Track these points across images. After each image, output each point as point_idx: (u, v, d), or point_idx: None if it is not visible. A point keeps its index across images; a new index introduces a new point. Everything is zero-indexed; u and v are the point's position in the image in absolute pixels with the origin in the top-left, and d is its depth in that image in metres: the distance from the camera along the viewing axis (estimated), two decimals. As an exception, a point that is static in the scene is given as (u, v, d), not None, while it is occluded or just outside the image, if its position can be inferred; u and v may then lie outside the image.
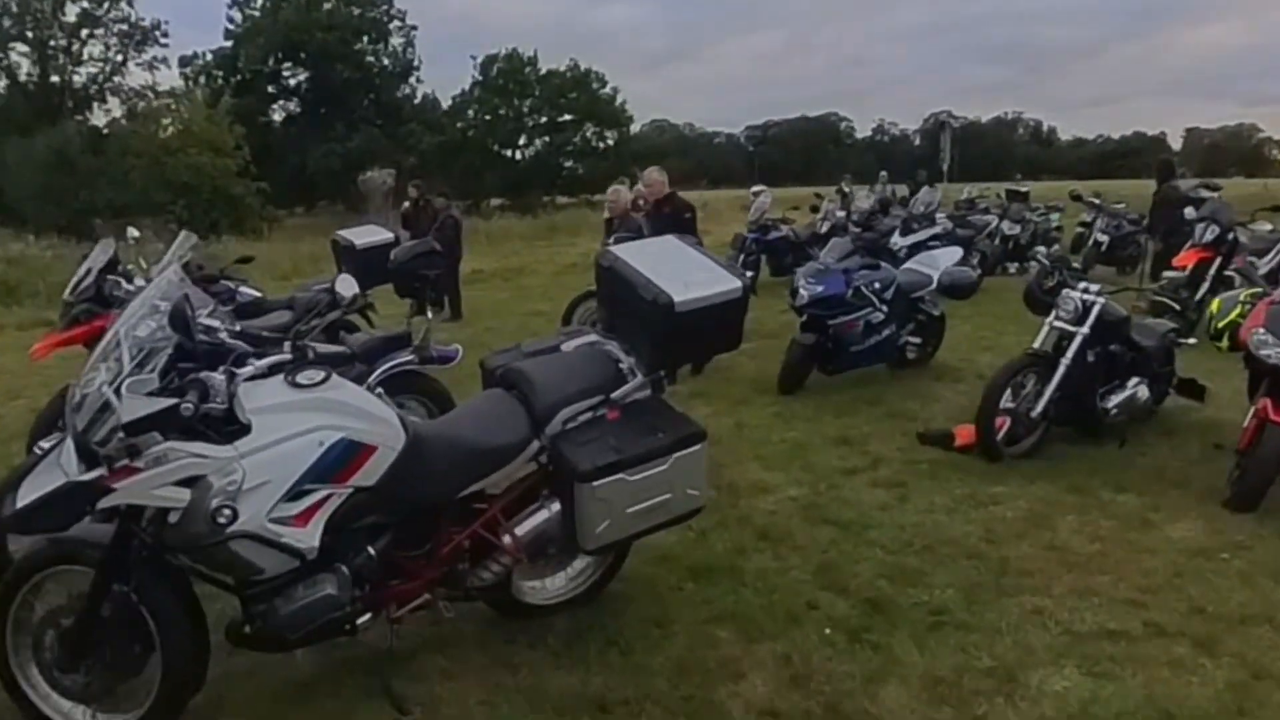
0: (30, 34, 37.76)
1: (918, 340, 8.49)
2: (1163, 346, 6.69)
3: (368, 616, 3.40)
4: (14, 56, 38.43)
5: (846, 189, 18.09)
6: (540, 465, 3.68)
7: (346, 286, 6.19)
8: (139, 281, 5.41)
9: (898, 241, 13.09)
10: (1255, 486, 5.12)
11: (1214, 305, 5.97)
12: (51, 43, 38.65)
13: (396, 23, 51.18)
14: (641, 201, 9.37)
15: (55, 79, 39.16)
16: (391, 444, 3.27)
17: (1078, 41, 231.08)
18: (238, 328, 5.22)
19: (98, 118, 39.57)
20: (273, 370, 3.34)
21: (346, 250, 7.54)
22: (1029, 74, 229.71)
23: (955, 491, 5.50)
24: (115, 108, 39.50)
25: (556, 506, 3.66)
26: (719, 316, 3.63)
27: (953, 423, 6.76)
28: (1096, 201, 16.03)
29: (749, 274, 11.48)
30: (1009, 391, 6.05)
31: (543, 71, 54.04)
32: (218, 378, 3.11)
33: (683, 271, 3.67)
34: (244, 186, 36.08)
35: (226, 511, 2.89)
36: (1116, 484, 5.59)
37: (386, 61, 51.19)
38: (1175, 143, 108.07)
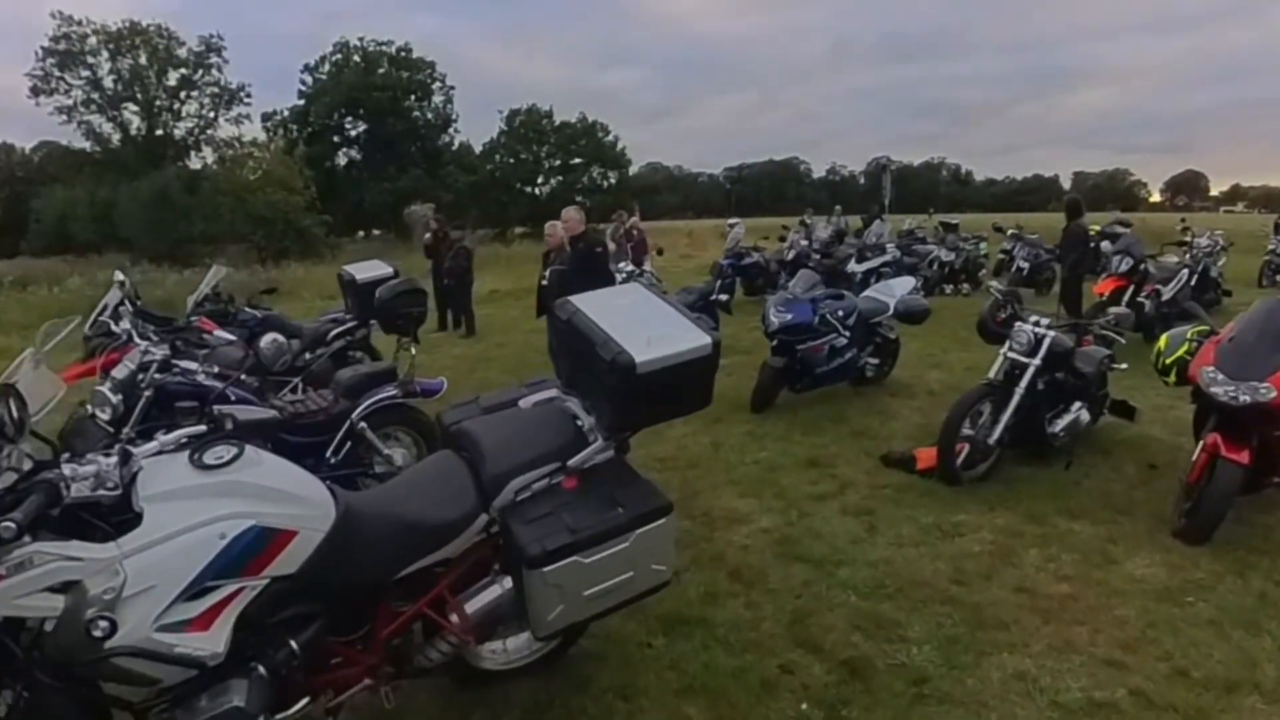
0: (139, 96, 36.86)
1: (876, 360, 7.52)
2: (1099, 372, 5.76)
3: (301, 705, 2.45)
4: (126, 114, 37.55)
5: (808, 220, 17.05)
6: (491, 535, 2.72)
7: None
8: (124, 324, 4.42)
9: (854, 268, 12.13)
10: (1208, 521, 4.19)
11: (1161, 341, 5.00)
12: (156, 102, 37.61)
13: (438, 84, 50.24)
14: (550, 238, 8.67)
15: (159, 132, 38.15)
16: (316, 526, 2.34)
17: (989, 101, 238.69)
18: (215, 369, 4.25)
19: (194, 163, 38.59)
20: (187, 444, 2.40)
21: (349, 284, 6.59)
22: (951, 126, 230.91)
23: (921, 520, 4.52)
24: (208, 155, 38.62)
25: (509, 583, 2.73)
26: (686, 376, 2.66)
27: (910, 440, 5.86)
28: (1017, 233, 15.09)
29: (724, 296, 10.49)
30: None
31: (557, 122, 53.35)
32: (105, 461, 2.19)
33: (647, 325, 2.70)
34: (311, 219, 35.19)
35: (103, 624, 1.98)
36: (1070, 510, 4.64)
37: (430, 115, 50.19)
38: (1065, 183, 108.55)
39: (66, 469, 2.11)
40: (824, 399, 7.10)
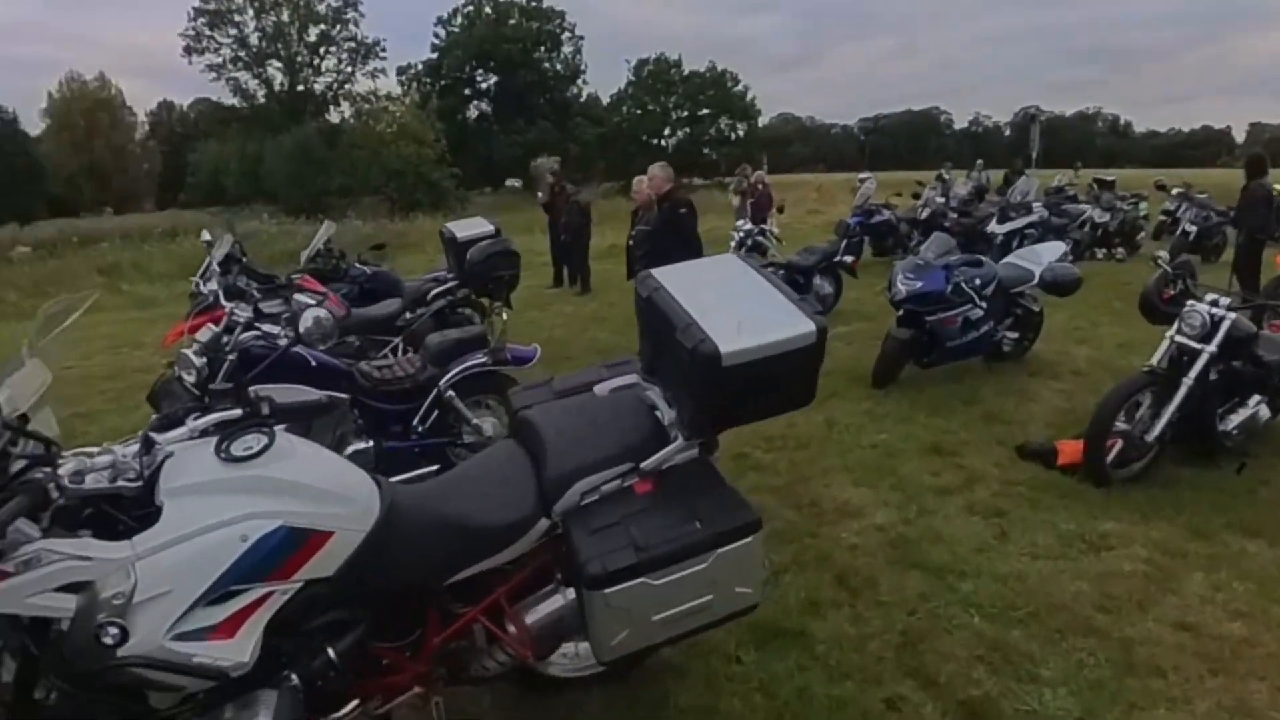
0: (281, 52, 38.65)
1: (1015, 335, 6.77)
2: (1284, 360, 4.87)
3: (349, 708, 2.23)
4: (270, 70, 39.50)
5: (946, 175, 15.86)
6: (554, 539, 2.41)
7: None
8: (210, 285, 4.33)
9: (994, 229, 11.12)
10: None
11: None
12: (298, 58, 39.40)
13: (568, 34, 50.24)
14: (637, 195, 8.05)
15: (300, 87, 39.95)
16: (354, 526, 2.09)
17: (1155, 45, 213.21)
18: (291, 333, 4.10)
19: (333, 118, 40.20)
20: (219, 430, 2.18)
21: (449, 242, 6.40)
22: (1111, 74, 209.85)
23: (1061, 527, 3.94)
24: (346, 109, 40.17)
25: (572, 594, 2.42)
26: (784, 369, 2.24)
27: (1051, 429, 5.20)
28: (1184, 191, 13.49)
29: (849, 258, 9.79)
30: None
31: (685, 72, 52.52)
32: (121, 450, 2.04)
33: (739, 307, 2.28)
34: (441, 172, 36.00)
35: (113, 630, 1.76)
36: (1243, 526, 3.93)
37: (559, 67, 50.35)
38: (1238, 135, 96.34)
39: (74, 462, 1.93)
40: (954, 376, 6.44)
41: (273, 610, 1.95)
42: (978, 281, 6.19)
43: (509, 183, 19.94)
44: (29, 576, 1.74)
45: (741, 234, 9.31)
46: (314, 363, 4.10)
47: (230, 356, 3.97)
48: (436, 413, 4.47)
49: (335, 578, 2.05)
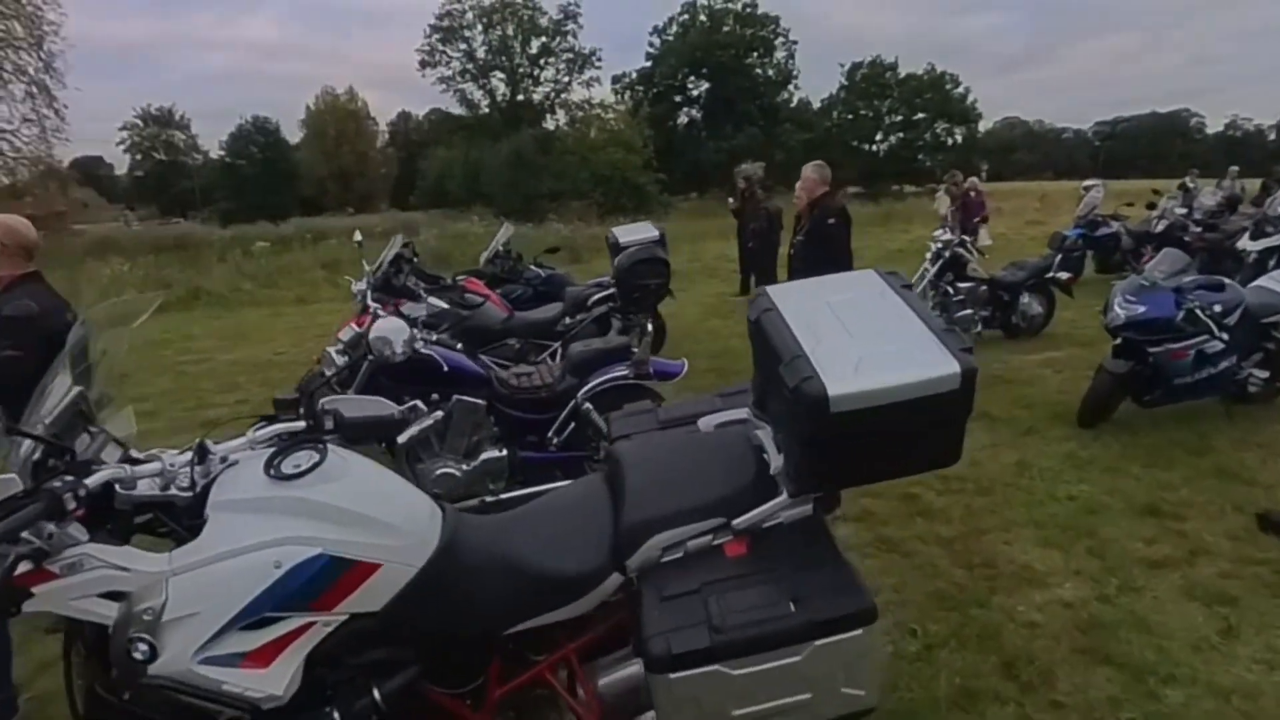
0: (505, 63, 41.02)
1: (1264, 374, 5.56)
2: None
3: None
4: (494, 81, 42.03)
5: (1190, 184, 13.81)
6: (633, 594, 2.04)
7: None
8: (358, 286, 4.33)
9: (1247, 245, 9.43)
10: None
11: None
12: (519, 69, 41.57)
13: (781, 39, 49.41)
14: (795, 200, 7.03)
15: (520, 97, 42.16)
16: (405, 560, 1.88)
17: None
18: (433, 337, 4.01)
19: (548, 125, 42.02)
20: (279, 441, 2.02)
21: (613, 247, 6.18)
22: None
23: (1315, 629, 3.05)
24: (561, 117, 41.91)
25: (649, 665, 2.03)
26: (914, 420, 1.75)
27: (1311, 497, 4.14)
28: None
29: (1065, 274, 8.63)
30: None
31: (901, 75, 50.18)
32: (169, 458, 1.91)
33: (867, 338, 1.81)
34: (647, 177, 36.50)
35: (143, 647, 1.66)
36: None
37: (771, 72, 49.62)
38: None
39: (109, 471, 1.80)
40: (1180, 419, 5.40)
41: (313, 642, 1.79)
42: (1218, 308, 5.12)
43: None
44: (72, 580, 1.68)
45: (939, 245, 8.44)
46: (446, 366, 3.99)
47: (369, 357, 3.93)
48: (574, 425, 4.24)
49: (382, 613, 1.85)
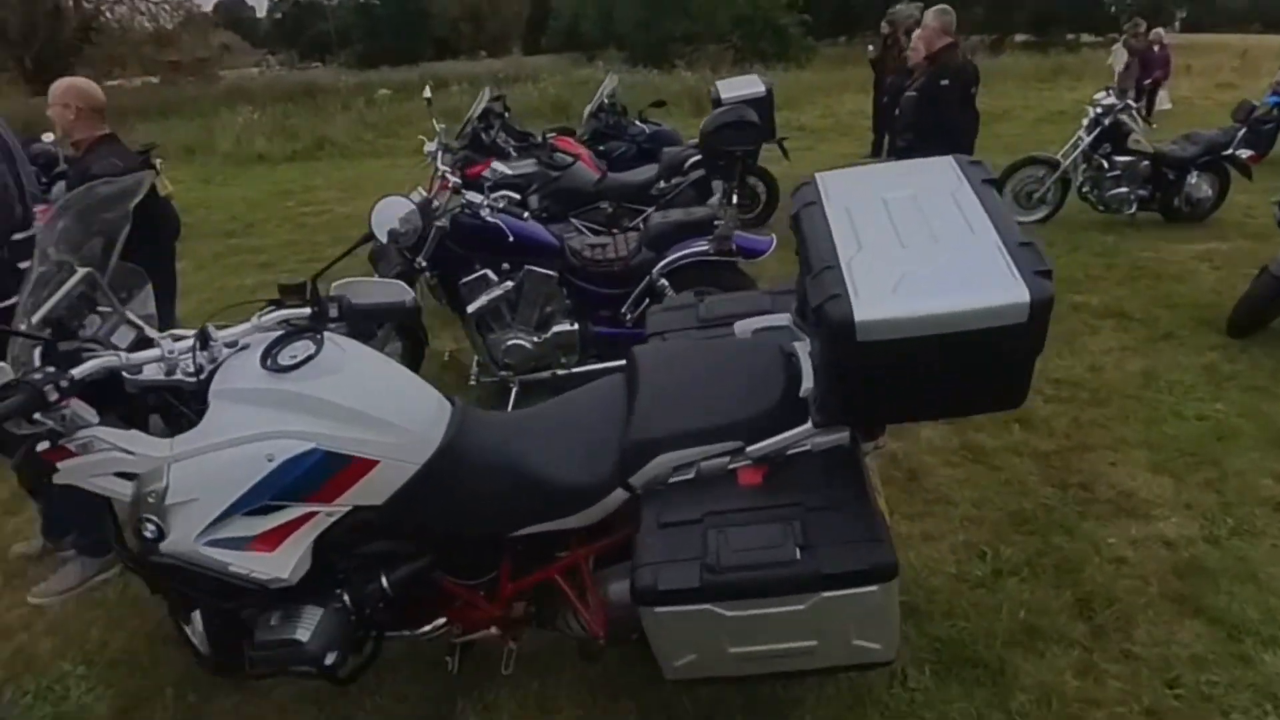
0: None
1: None
2: None
3: (434, 625, 2.14)
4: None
5: None
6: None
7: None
8: (430, 146, 4.14)
9: None
10: None
11: None
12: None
13: None
14: (910, 50, 6.00)
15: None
16: (404, 458, 1.86)
17: None
18: (500, 204, 3.81)
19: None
20: (285, 328, 1.94)
21: (715, 102, 5.66)
22: None
23: None
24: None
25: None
26: (965, 355, 1.45)
27: None
28: None
29: (1248, 152, 7.43)
30: None
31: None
32: (169, 346, 1.87)
33: (918, 249, 1.50)
34: (790, 18, 33.88)
35: (151, 527, 1.76)
36: None
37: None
38: None
39: (107, 359, 1.76)
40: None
41: (318, 530, 1.84)
42: None
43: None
44: (86, 460, 1.75)
45: (1098, 110, 7.40)
46: (511, 236, 3.81)
47: (438, 223, 3.80)
48: (648, 301, 4.03)
49: (385, 507, 1.87)
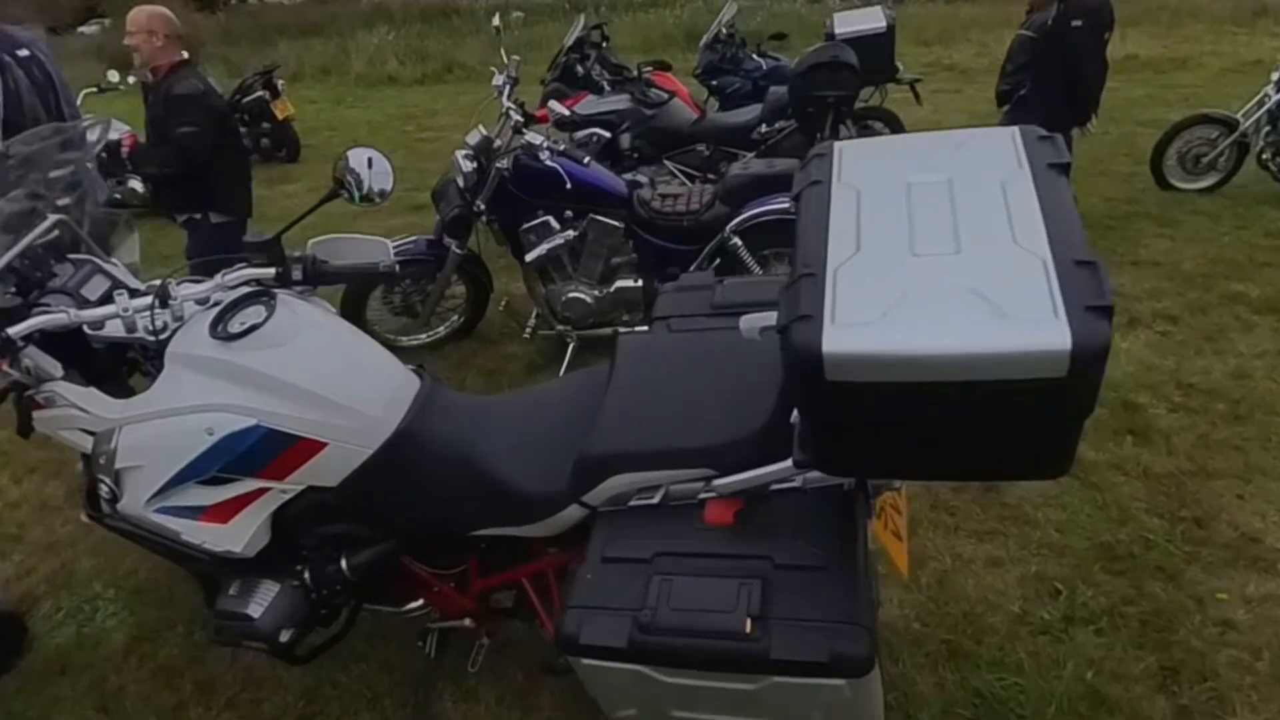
0: None
1: None
2: None
3: (412, 606, 2.03)
4: None
5: None
6: None
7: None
8: (498, 80, 3.85)
9: None
10: None
11: None
12: None
13: None
14: None
15: None
16: (355, 442, 1.71)
17: None
18: (560, 146, 3.53)
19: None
20: (252, 286, 1.84)
21: (827, 37, 5.07)
22: None
23: None
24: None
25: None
26: (977, 415, 1.08)
27: None
28: None
29: None
30: None
31: None
32: (125, 302, 1.71)
33: (936, 256, 1.12)
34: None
35: (104, 489, 1.73)
36: None
37: None
38: None
39: (54, 315, 1.64)
40: None
41: (272, 506, 1.75)
42: None
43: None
44: (53, 413, 1.73)
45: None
46: (569, 182, 3.52)
47: (498, 164, 3.56)
48: (719, 261, 3.68)
49: (339, 490, 1.74)
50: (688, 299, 1.93)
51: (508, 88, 3.75)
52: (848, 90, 4.19)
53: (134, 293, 1.80)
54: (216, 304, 1.79)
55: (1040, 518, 2.78)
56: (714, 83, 6.56)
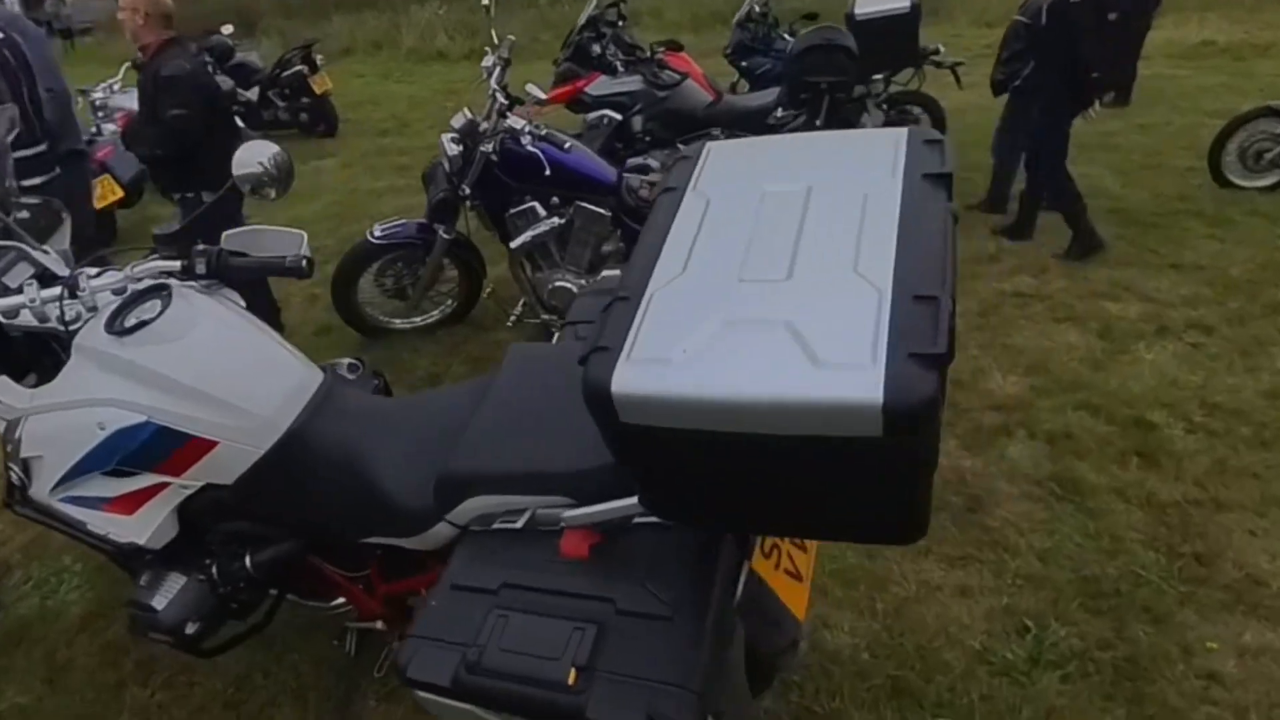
0: None
1: None
2: None
3: (334, 603, 2.01)
4: None
5: None
6: None
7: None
8: (487, 61, 3.72)
9: None
10: None
11: None
12: None
13: None
14: None
15: None
16: (246, 443, 1.69)
17: None
18: (542, 131, 3.41)
19: None
20: (160, 279, 1.81)
21: (847, 18, 4.80)
22: None
23: None
24: None
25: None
26: (793, 471, 0.94)
27: None
28: None
29: None
30: None
31: None
32: (32, 293, 1.70)
33: (760, 292, 0.97)
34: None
35: (13, 477, 1.77)
36: None
37: None
38: None
39: None
40: None
41: (175, 500, 1.74)
42: None
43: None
44: None
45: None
46: (548, 169, 3.38)
47: (483, 148, 3.44)
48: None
49: (235, 488, 1.73)
50: (601, 302, 1.80)
51: (497, 69, 3.62)
52: (844, 75, 3.94)
53: (52, 281, 1.77)
54: (133, 296, 1.76)
55: (1022, 544, 2.58)
56: (744, 64, 6.33)
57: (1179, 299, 4.08)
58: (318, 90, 8.55)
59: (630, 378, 0.89)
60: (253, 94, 8.55)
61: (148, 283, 1.77)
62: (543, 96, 3.60)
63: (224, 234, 1.90)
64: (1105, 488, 2.82)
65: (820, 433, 0.84)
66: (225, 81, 7.12)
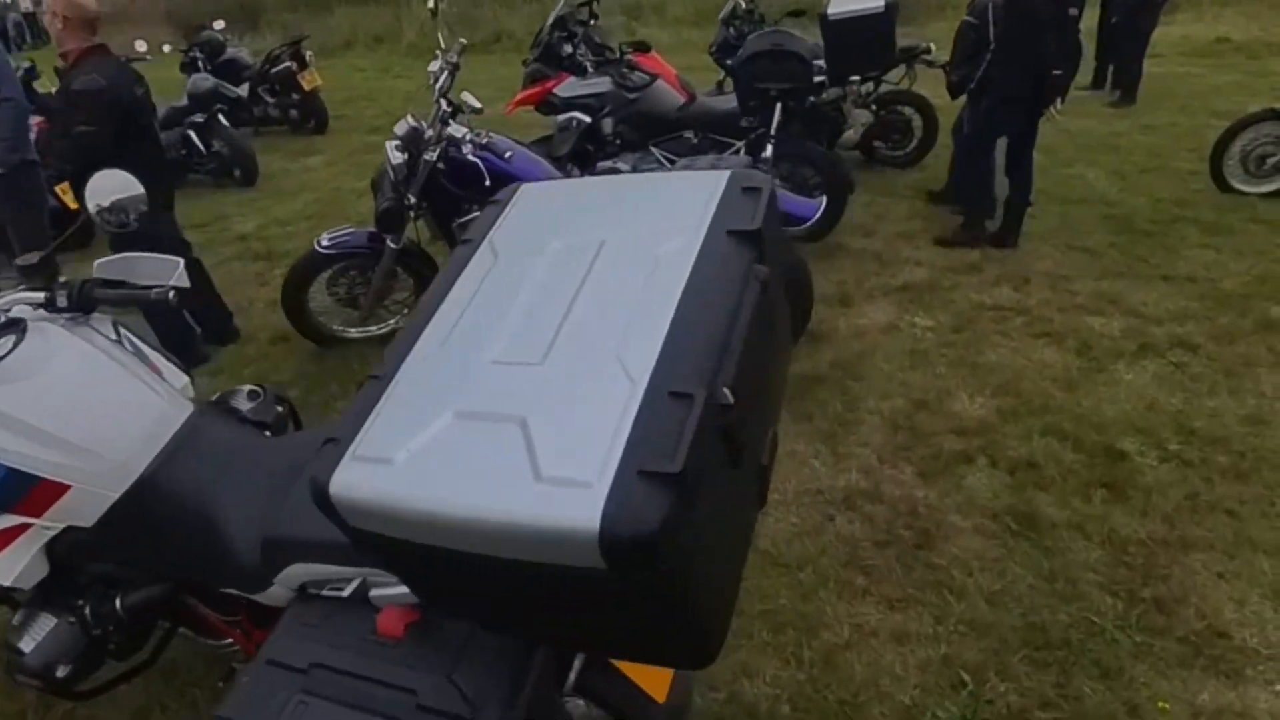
0: None
1: None
2: None
3: (225, 643, 1.89)
4: None
5: None
6: None
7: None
8: (437, 64, 3.60)
9: None
10: None
11: None
12: None
13: None
14: None
15: None
16: (100, 486, 1.59)
17: None
18: (484, 139, 3.30)
19: None
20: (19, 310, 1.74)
21: (820, 21, 4.62)
22: None
23: None
24: None
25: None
26: (535, 591, 0.79)
27: None
28: None
29: None
30: None
31: None
32: None
33: (510, 379, 0.83)
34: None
35: None
36: None
37: None
38: None
39: None
40: None
41: (40, 540, 1.64)
42: None
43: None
44: None
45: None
46: (488, 179, 3.26)
47: (426, 156, 3.33)
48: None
49: (95, 531, 1.63)
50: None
51: (444, 74, 3.50)
52: (795, 83, 3.77)
53: None
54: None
55: (970, 585, 2.43)
56: (728, 62, 6.16)
57: (1166, 314, 3.90)
58: (306, 86, 8.47)
59: (349, 480, 0.77)
60: (243, 90, 8.47)
61: (2, 318, 1.68)
62: (478, 106, 3.47)
63: (96, 262, 1.81)
64: (1065, 523, 2.66)
65: (539, 560, 0.71)
66: (206, 80, 7.08)
